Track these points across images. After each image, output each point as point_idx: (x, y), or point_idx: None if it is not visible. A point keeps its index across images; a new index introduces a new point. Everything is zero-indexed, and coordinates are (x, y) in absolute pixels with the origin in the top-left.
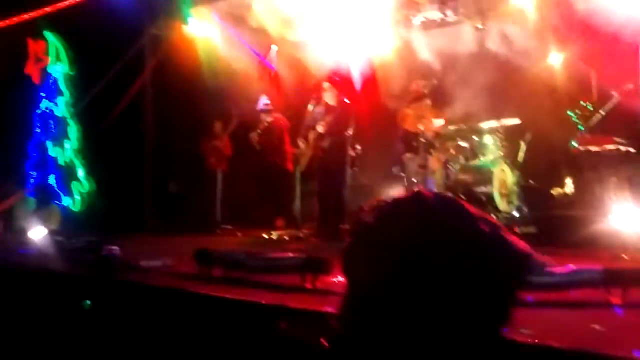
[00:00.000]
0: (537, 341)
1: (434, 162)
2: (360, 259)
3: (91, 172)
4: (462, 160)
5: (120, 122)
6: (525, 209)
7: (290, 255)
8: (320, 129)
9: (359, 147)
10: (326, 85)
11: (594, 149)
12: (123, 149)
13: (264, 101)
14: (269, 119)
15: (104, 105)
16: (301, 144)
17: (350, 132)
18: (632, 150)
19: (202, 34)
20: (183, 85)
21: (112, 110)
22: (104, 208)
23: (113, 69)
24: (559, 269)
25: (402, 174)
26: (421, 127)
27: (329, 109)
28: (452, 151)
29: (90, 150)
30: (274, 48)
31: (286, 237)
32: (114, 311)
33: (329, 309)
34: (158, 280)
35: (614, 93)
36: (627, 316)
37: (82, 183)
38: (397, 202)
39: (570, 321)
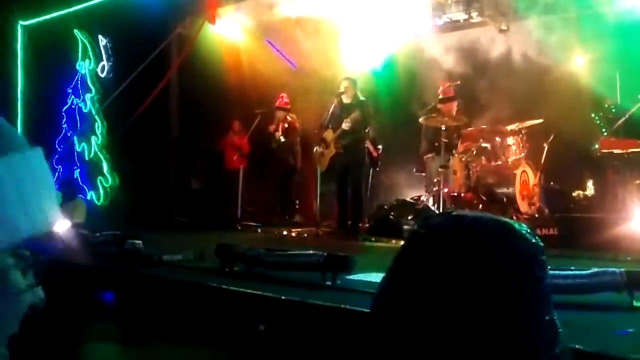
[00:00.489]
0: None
1: (456, 163)
2: (408, 266)
3: (116, 167)
4: (483, 161)
5: (146, 119)
6: (547, 211)
7: (311, 252)
8: (346, 126)
9: (380, 147)
10: (345, 83)
11: (617, 151)
12: (147, 145)
13: (284, 99)
14: (287, 117)
15: (130, 102)
16: (320, 144)
17: (369, 130)
18: None
19: (228, 33)
20: (207, 83)
21: (137, 107)
22: (127, 203)
23: (140, 67)
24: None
25: (423, 174)
26: (443, 127)
27: (346, 107)
28: (474, 152)
29: (116, 146)
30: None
31: (306, 235)
32: (136, 303)
33: (349, 306)
34: (180, 274)
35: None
36: None
37: (107, 178)
38: (450, 218)
39: (593, 324)
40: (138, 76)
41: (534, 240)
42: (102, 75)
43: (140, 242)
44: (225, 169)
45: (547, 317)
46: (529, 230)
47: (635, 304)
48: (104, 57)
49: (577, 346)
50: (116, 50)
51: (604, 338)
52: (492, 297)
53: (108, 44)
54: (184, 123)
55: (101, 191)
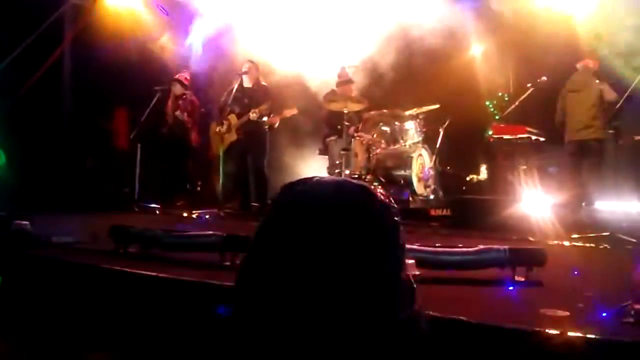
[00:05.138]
0: (447, 315)
1: (357, 146)
2: (271, 232)
3: (2, 144)
4: (383, 144)
5: (36, 94)
6: (441, 193)
7: (210, 232)
8: (254, 116)
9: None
10: (247, 65)
11: (507, 137)
12: (38, 122)
13: (185, 76)
14: (184, 94)
15: (18, 75)
16: (223, 125)
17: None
18: (542, 139)
19: (125, 3)
20: (104, 57)
21: (27, 81)
22: (15, 183)
23: (30, 37)
24: (468, 249)
25: (326, 156)
26: (346, 110)
27: (248, 91)
28: (375, 135)
29: (2, 122)
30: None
31: (207, 216)
32: (25, 286)
33: None
34: (71, 256)
35: (529, 85)
36: (529, 293)
37: None
38: (310, 184)
39: (478, 297)
40: (28, 48)
41: (388, 202)
42: None
43: (28, 223)
44: (115, 148)
45: (402, 276)
46: (383, 193)
47: (517, 278)
48: None
49: (462, 318)
50: (3, 19)
51: (486, 310)
52: (350, 258)
53: None
54: (77, 98)
55: None
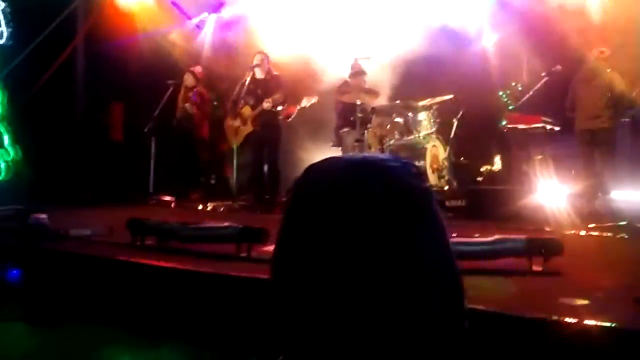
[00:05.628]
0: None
1: (370, 137)
2: (297, 218)
3: (18, 139)
4: (397, 135)
5: (50, 89)
6: (455, 184)
7: (226, 224)
8: (267, 106)
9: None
10: (259, 57)
11: (521, 127)
12: (52, 116)
13: (198, 69)
14: (196, 88)
15: (32, 70)
16: (235, 118)
17: (282, 105)
18: (557, 128)
19: None
20: (117, 52)
21: (41, 76)
22: (31, 177)
23: (43, 32)
24: (485, 239)
25: (339, 148)
26: (358, 102)
27: (261, 83)
28: (388, 126)
29: (17, 117)
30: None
31: (222, 209)
32: (43, 280)
33: (265, 277)
34: (89, 249)
35: (543, 74)
36: (547, 282)
37: (8, 151)
38: (336, 161)
39: (496, 287)
40: (41, 43)
41: (427, 185)
42: (1, 42)
43: (45, 216)
44: (139, 141)
45: (449, 263)
46: (417, 172)
47: (534, 268)
48: (3, 22)
49: (480, 307)
50: (18, 15)
51: (504, 300)
52: (388, 246)
53: (7, 8)
54: (91, 93)
55: (2, 165)
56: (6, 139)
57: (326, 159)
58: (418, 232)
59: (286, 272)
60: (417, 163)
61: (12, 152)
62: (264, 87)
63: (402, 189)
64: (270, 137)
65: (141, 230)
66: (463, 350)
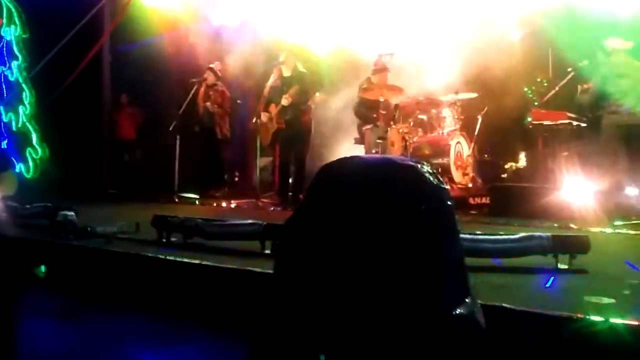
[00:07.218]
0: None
1: (393, 134)
2: (308, 215)
3: (45, 138)
4: (420, 132)
5: (76, 88)
6: (480, 181)
7: (250, 221)
8: (285, 102)
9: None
10: (285, 54)
11: (547, 123)
12: (78, 115)
13: (218, 66)
14: (216, 85)
15: (59, 69)
16: (263, 116)
17: (311, 102)
18: (583, 124)
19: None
20: (142, 51)
21: (68, 75)
22: (59, 175)
23: (70, 33)
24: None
25: (362, 145)
26: (382, 99)
27: (287, 80)
28: (411, 123)
29: (45, 116)
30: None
31: (245, 206)
32: (71, 276)
33: None
34: (115, 245)
35: (569, 69)
36: (574, 280)
37: (36, 149)
38: (352, 162)
39: (522, 284)
40: (68, 43)
41: (440, 182)
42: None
43: (73, 213)
44: (164, 140)
45: (458, 262)
46: (435, 171)
47: (560, 266)
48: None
49: (505, 305)
50: (45, 15)
51: (530, 297)
52: (397, 242)
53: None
54: (116, 92)
55: (30, 163)
56: (34, 138)
57: (340, 159)
58: (430, 232)
59: (290, 267)
60: (440, 160)
61: (40, 151)
62: (289, 85)
63: (415, 189)
64: (297, 135)
65: (166, 227)
66: (479, 347)
